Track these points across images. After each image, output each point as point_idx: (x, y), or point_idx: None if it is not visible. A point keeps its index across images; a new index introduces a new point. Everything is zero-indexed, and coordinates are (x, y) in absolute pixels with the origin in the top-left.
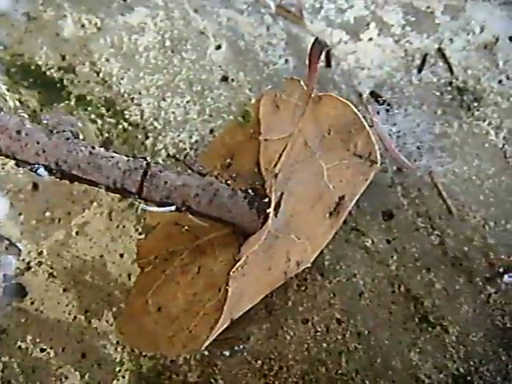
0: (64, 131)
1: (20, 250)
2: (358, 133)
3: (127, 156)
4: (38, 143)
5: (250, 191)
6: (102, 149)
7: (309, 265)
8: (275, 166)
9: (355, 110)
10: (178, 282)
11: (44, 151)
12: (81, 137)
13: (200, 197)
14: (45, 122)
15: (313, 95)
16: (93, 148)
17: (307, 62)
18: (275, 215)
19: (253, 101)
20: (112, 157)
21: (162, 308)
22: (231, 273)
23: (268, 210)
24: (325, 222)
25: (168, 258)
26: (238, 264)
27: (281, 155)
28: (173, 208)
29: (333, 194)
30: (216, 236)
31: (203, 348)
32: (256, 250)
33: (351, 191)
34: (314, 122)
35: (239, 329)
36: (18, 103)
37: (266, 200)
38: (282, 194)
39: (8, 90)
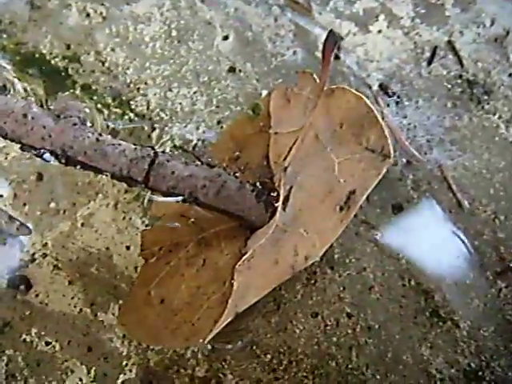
0: (71, 117)
1: (31, 231)
2: (370, 126)
3: (135, 144)
4: (44, 128)
5: (258, 184)
6: (109, 136)
7: (317, 259)
8: (285, 159)
9: (368, 102)
10: (182, 275)
11: (50, 136)
12: (88, 124)
13: (207, 188)
14: (52, 107)
15: (325, 88)
16: (100, 135)
17: (321, 54)
18: (283, 209)
19: (263, 93)
20: (119, 144)
21: (164, 300)
22: (237, 266)
23: (276, 204)
24: (334, 216)
25: (173, 249)
26: (245, 257)
27: (291, 149)
28: (179, 198)
29: (343, 189)
30: (222, 229)
31: (206, 341)
32: (263, 243)
33: (362, 185)
34: (326, 115)
35: (246, 321)
36: (23, 91)
37: (275, 194)
38: (291, 187)
39: (15, 77)
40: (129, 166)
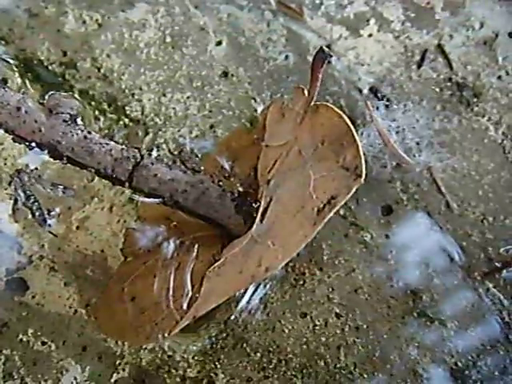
0: (63, 113)
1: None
2: (348, 145)
3: (123, 145)
4: (35, 122)
5: (240, 195)
6: (98, 135)
7: (275, 271)
8: (269, 172)
9: (348, 122)
10: (156, 275)
11: (40, 130)
12: (79, 121)
13: (188, 193)
14: (45, 102)
15: (312, 104)
16: (89, 133)
17: (310, 70)
18: (261, 221)
19: (256, 99)
20: (107, 143)
21: (135, 298)
22: (207, 272)
23: (255, 215)
24: (300, 231)
25: (151, 250)
26: (216, 264)
27: (276, 162)
28: (160, 200)
29: (314, 204)
30: (201, 235)
31: (162, 341)
32: (235, 252)
33: (331, 203)
34: (310, 131)
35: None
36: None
37: (256, 205)
38: (271, 200)
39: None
40: (113, 166)
